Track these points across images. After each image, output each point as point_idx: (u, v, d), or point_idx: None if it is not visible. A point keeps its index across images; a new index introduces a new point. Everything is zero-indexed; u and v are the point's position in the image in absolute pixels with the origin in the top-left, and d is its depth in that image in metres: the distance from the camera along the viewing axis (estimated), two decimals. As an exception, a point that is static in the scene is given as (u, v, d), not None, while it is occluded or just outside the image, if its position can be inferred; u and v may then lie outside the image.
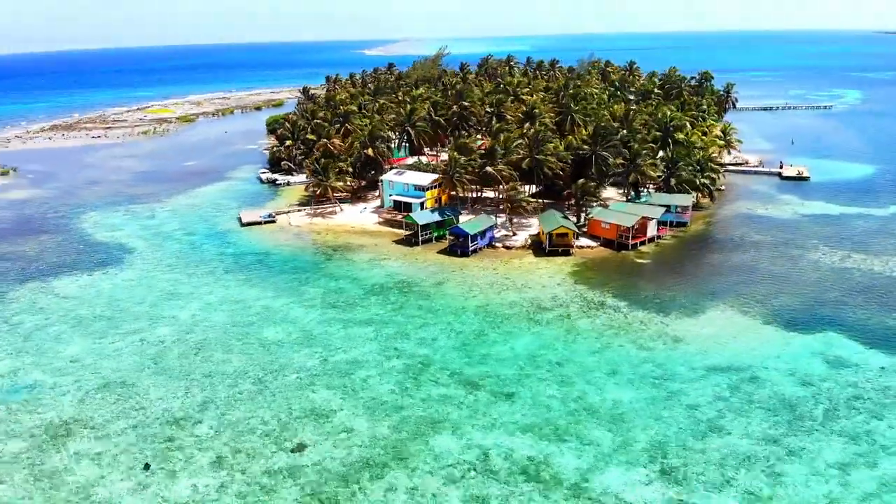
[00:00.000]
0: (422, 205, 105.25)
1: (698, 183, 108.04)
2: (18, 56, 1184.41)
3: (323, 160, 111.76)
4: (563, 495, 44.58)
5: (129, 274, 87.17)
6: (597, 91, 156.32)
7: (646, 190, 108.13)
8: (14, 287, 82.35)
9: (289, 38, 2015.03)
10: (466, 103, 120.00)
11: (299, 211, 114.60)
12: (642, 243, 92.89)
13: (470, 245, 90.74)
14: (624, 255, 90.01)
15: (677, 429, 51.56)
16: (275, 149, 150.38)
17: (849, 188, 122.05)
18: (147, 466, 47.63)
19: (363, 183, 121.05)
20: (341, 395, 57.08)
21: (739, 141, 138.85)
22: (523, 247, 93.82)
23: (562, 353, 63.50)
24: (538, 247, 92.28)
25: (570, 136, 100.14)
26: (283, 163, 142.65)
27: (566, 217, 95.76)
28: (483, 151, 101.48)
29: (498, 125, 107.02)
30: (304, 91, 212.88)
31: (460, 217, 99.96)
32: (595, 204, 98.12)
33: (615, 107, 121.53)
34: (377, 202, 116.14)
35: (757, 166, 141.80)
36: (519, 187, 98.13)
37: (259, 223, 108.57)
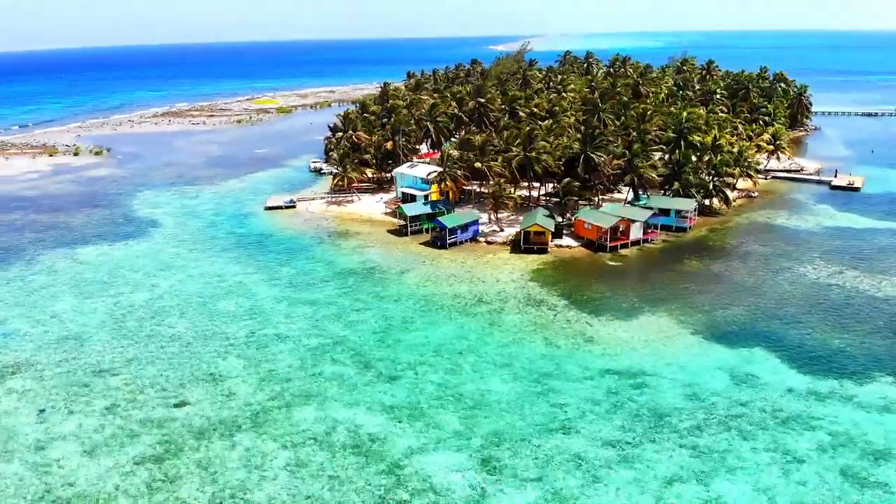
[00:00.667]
0: (426, 197, 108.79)
1: (711, 187, 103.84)
2: (179, 46, 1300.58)
3: (342, 152, 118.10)
4: (376, 470, 47.30)
5: (142, 246, 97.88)
6: (654, 91, 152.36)
7: (644, 192, 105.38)
8: (44, 252, 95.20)
9: (422, 35, 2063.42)
10: (482, 99, 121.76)
11: (322, 199, 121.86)
12: (624, 246, 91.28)
13: (448, 238, 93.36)
14: (598, 257, 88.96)
15: (528, 424, 52.36)
16: (325, 140, 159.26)
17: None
18: (42, 411, 55.33)
19: (385, 174, 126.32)
20: (245, 364, 62.51)
21: (788, 147, 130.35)
22: (504, 243, 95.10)
23: (469, 345, 65.28)
24: (517, 244, 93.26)
25: (564, 137, 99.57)
26: (329, 153, 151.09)
27: (552, 216, 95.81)
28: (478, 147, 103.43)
29: (505, 122, 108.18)
30: (384, 86, 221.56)
31: (455, 211, 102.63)
32: (588, 204, 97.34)
33: (640, 107, 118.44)
34: (394, 193, 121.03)
35: (813, 174, 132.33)
36: (504, 184, 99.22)
37: (280, 208, 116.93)
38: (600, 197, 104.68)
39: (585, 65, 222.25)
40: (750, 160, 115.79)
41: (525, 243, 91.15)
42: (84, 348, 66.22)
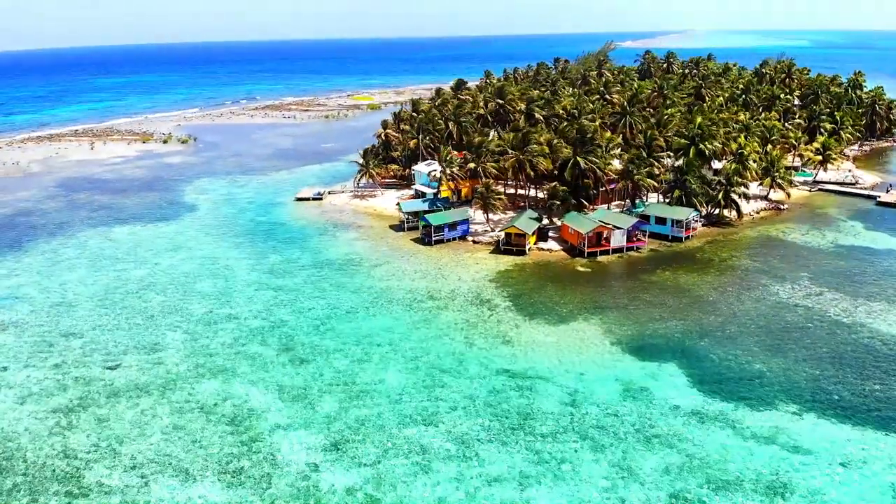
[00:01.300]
0: (435, 195, 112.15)
1: (721, 197, 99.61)
2: (290, 42, 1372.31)
3: (369, 148, 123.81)
4: (235, 441, 51.83)
5: (170, 228, 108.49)
6: (714, 94, 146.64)
7: (641, 199, 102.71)
8: (85, 230, 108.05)
9: (548, 31, 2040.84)
10: (501, 101, 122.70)
11: (349, 192, 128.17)
12: (605, 253, 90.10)
13: (434, 235, 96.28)
14: (572, 263, 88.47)
15: (395, 414, 54.98)
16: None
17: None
18: (5, 369, 64.61)
19: (409, 172, 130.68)
20: (186, 339, 69.27)
21: (859, 158, 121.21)
22: (490, 243, 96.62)
23: (392, 338, 68.35)
24: (499, 245, 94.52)
25: (558, 140, 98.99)
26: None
27: (539, 219, 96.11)
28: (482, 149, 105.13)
29: (515, 123, 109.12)
30: (457, 84, 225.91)
31: (452, 209, 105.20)
32: (584, 209, 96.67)
33: (664, 112, 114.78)
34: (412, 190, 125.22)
35: (868, 188, 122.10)
36: (495, 184, 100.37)
37: (308, 199, 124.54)
38: (593, 203, 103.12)
39: (665, 65, 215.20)
40: (781, 170, 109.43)
41: (506, 245, 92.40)
42: (68, 314, 75.93)
